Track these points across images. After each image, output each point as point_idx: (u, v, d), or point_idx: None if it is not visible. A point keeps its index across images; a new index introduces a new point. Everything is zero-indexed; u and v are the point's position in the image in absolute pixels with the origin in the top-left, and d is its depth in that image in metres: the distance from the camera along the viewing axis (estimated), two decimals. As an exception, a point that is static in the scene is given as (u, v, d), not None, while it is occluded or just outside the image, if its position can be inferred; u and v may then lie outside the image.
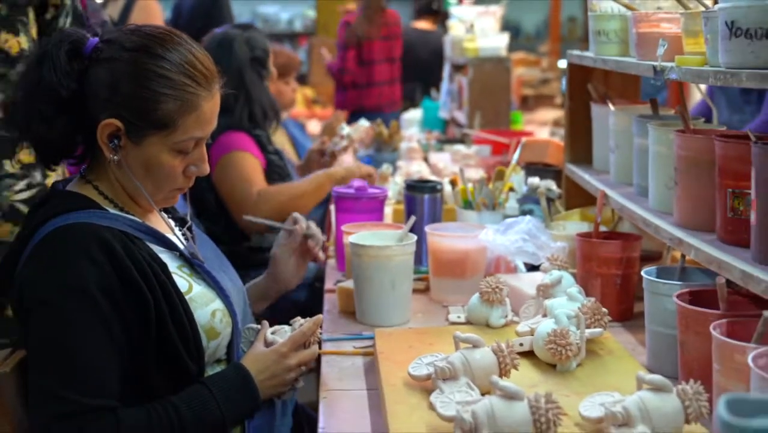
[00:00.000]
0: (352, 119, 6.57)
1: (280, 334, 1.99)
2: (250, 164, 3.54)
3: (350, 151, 4.43)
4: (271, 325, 2.03)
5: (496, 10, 5.83)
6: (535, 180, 2.97)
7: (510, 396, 1.54)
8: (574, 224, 2.77)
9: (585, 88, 2.94)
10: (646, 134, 2.30)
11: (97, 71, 1.83)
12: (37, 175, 2.31)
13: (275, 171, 3.64)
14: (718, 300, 1.83)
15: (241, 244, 3.58)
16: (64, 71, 1.82)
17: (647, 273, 2.08)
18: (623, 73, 2.71)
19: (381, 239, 2.43)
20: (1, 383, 1.79)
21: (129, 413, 1.72)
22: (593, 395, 1.70)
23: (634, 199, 2.39)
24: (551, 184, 2.94)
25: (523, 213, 2.97)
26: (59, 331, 1.70)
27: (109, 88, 1.82)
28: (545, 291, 2.21)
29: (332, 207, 3.06)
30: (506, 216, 2.85)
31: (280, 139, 4.73)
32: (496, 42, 5.47)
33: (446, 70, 6.38)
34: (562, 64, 3.49)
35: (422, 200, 2.88)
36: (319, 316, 2.03)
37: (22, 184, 2.32)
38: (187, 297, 1.85)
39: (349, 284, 2.49)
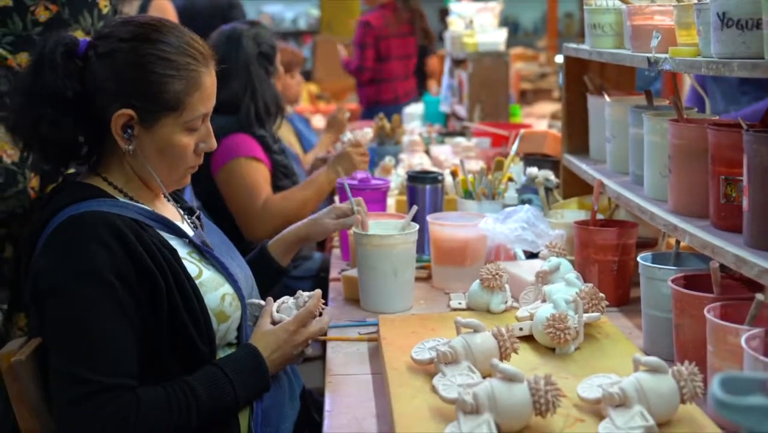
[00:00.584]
0: (367, 114, 6.61)
1: (285, 310, 2.02)
2: (256, 173, 3.52)
3: None
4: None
5: (495, 6, 5.83)
6: (533, 170, 3.00)
7: (510, 379, 1.57)
8: (571, 213, 2.80)
9: (581, 81, 2.96)
10: (641, 124, 2.33)
11: (98, 67, 1.87)
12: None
13: (280, 171, 3.64)
14: (712, 284, 1.86)
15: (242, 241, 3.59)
16: (65, 73, 1.86)
17: (643, 259, 2.11)
18: (618, 65, 2.74)
19: (384, 228, 2.46)
20: (18, 370, 1.83)
21: (147, 392, 1.75)
22: (591, 377, 1.72)
23: (629, 188, 2.42)
24: (549, 174, 2.97)
25: (522, 202, 2.99)
26: (76, 315, 1.74)
27: (115, 80, 1.86)
28: (544, 277, 2.23)
29: (336, 198, 3.09)
30: (505, 205, 2.88)
31: (286, 134, 4.75)
32: (495, 37, 5.48)
33: (446, 65, 6.40)
34: (560, 59, 3.51)
35: (424, 191, 2.91)
36: (318, 290, 2.06)
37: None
38: (197, 282, 1.89)
39: (353, 272, 2.52)
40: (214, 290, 1.92)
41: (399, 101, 7.08)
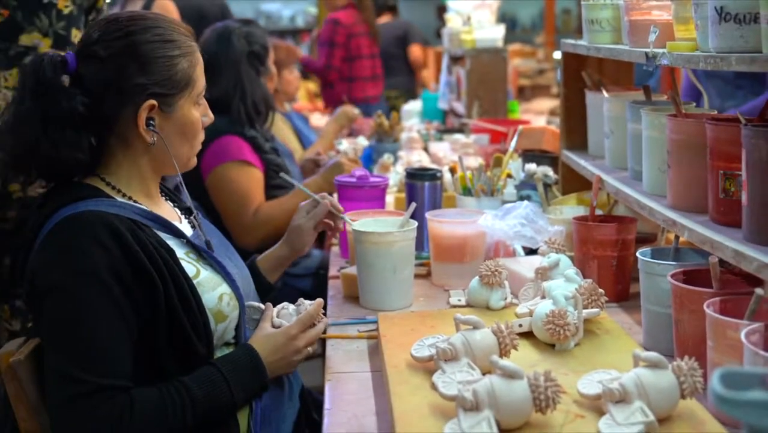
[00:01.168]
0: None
1: (285, 316, 2.02)
2: (247, 178, 3.52)
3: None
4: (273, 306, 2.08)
5: (492, 3, 5.84)
6: (532, 166, 3.01)
7: (510, 375, 1.56)
8: (570, 208, 2.80)
9: (579, 76, 2.96)
10: (639, 120, 2.32)
11: (100, 71, 1.88)
12: None
13: (273, 170, 3.63)
14: (711, 279, 1.86)
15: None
16: (68, 89, 1.87)
17: (642, 254, 2.11)
18: (616, 61, 2.73)
19: (383, 225, 2.46)
20: (17, 369, 1.83)
21: (142, 393, 1.75)
22: (591, 372, 1.72)
23: (628, 183, 2.42)
24: (548, 170, 2.98)
25: (521, 198, 3.00)
26: (72, 314, 1.74)
27: (125, 78, 1.87)
28: (543, 274, 2.23)
29: (335, 196, 3.09)
30: (504, 202, 2.89)
31: (284, 131, 4.76)
32: (493, 34, 5.49)
33: (444, 62, 6.40)
34: (558, 55, 3.51)
35: (422, 188, 2.91)
36: (320, 299, 2.07)
37: None
38: (195, 282, 1.89)
39: (352, 270, 2.52)
40: (212, 289, 1.92)
41: (369, 102, 7.08)
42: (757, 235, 1.72)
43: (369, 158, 4.45)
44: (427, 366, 1.85)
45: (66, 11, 2.57)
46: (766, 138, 1.67)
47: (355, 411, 1.83)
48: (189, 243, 1.97)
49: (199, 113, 1.99)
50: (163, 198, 2.08)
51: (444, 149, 4.40)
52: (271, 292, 2.40)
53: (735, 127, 1.81)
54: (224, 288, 1.95)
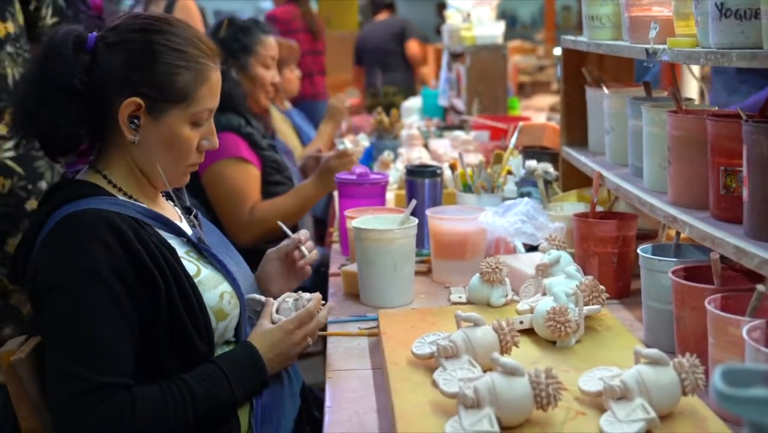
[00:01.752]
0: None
1: (284, 311, 2.02)
2: (244, 176, 3.52)
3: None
4: None
5: (492, 0, 5.85)
6: (532, 163, 3.01)
7: (511, 372, 1.56)
8: (571, 205, 2.80)
9: (580, 73, 2.96)
10: (640, 116, 2.32)
11: (107, 58, 1.88)
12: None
13: (271, 166, 3.63)
14: (713, 275, 1.86)
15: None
16: (73, 64, 1.87)
17: (643, 251, 2.11)
18: (617, 57, 2.74)
19: (383, 222, 2.46)
20: (18, 368, 1.83)
21: (143, 390, 1.75)
22: (592, 369, 1.72)
23: (629, 180, 2.41)
24: (548, 167, 2.98)
25: (522, 195, 2.99)
26: (73, 312, 1.74)
27: (124, 69, 1.87)
28: (544, 270, 2.23)
29: (336, 193, 3.09)
30: (505, 198, 2.89)
31: (283, 128, 4.75)
32: (493, 30, 5.49)
33: (444, 59, 6.40)
34: (558, 51, 3.51)
35: (423, 185, 2.91)
36: (318, 293, 2.07)
37: (10, 144, 2.69)
38: (195, 280, 1.89)
39: (353, 267, 2.52)
40: (213, 288, 1.92)
41: (318, 98, 7.07)
42: (758, 231, 1.72)
43: (369, 155, 4.45)
44: (428, 363, 1.85)
45: (31, 7, 2.72)
46: (766, 134, 1.66)
47: (356, 409, 1.83)
48: (190, 242, 1.97)
49: (193, 133, 1.94)
50: (163, 197, 2.08)
51: (444, 146, 4.40)
52: None
53: (736, 123, 1.80)
54: (225, 286, 1.95)
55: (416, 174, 2.94)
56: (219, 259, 1.98)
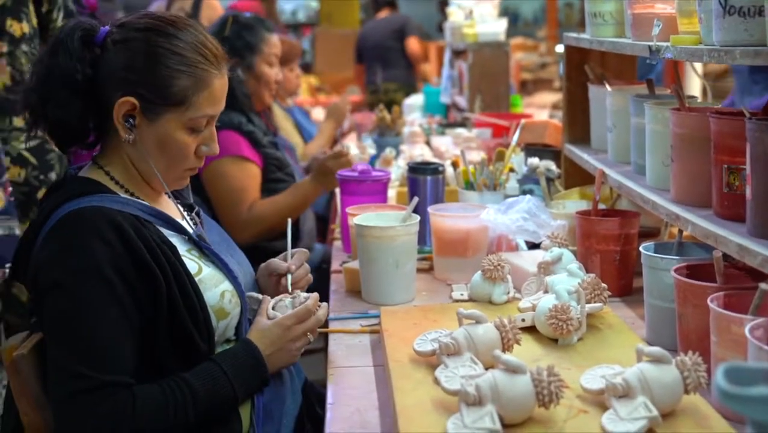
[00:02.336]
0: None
1: (281, 309, 2.01)
2: (244, 174, 3.51)
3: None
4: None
5: (494, -3, 5.85)
6: (534, 160, 3.00)
7: (513, 370, 1.56)
8: (573, 203, 2.80)
9: (582, 70, 2.95)
10: (642, 113, 2.32)
11: (111, 54, 1.88)
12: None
13: (272, 164, 3.63)
14: (715, 273, 1.86)
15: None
16: (79, 57, 1.86)
17: (645, 249, 2.11)
18: (619, 54, 2.73)
19: (385, 220, 2.46)
20: (20, 364, 1.84)
21: (143, 389, 1.75)
22: (594, 367, 1.72)
23: (631, 177, 2.41)
24: (550, 164, 2.97)
25: (524, 193, 2.99)
26: (75, 310, 1.74)
27: (124, 68, 1.86)
28: (546, 268, 2.23)
29: (337, 190, 3.08)
30: (507, 196, 2.88)
31: (285, 126, 4.75)
32: (495, 27, 5.48)
33: (446, 56, 6.40)
34: (560, 48, 3.51)
35: (425, 182, 2.91)
36: (316, 293, 2.05)
37: (25, 136, 2.84)
38: (197, 279, 1.88)
39: (354, 264, 2.52)
40: (214, 287, 1.92)
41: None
42: (761, 229, 1.72)
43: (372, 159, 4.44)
44: (430, 361, 1.85)
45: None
46: (770, 132, 1.66)
47: (358, 406, 1.83)
48: (191, 240, 1.97)
49: (190, 138, 1.92)
50: (165, 194, 2.07)
51: (446, 143, 4.40)
52: None
53: (739, 121, 1.80)
54: (226, 285, 1.95)
55: (418, 171, 2.93)
56: (220, 257, 1.98)
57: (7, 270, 2.39)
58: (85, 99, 1.88)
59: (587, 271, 2.22)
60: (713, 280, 1.86)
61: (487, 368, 1.71)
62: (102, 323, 1.73)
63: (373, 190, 2.93)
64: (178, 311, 1.81)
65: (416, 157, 3.98)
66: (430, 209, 2.64)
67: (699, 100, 2.59)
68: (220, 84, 1.94)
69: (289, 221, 2.24)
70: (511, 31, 7.26)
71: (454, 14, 6.01)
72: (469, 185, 3.01)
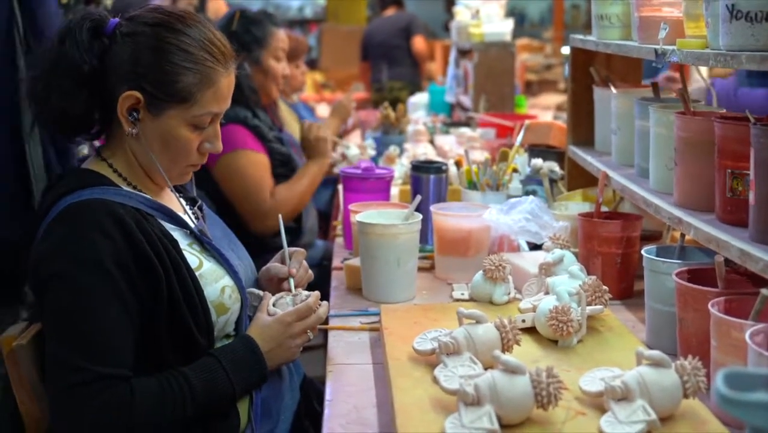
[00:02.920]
0: None
1: (281, 306, 2.01)
2: (258, 165, 3.53)
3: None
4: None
5: (501, -3, 5.85)
6: (538, 161, 3.00)
7: (512, 370, 1.56)
8: (576, 204, 2.79)
9: (588, 72, 2.95)
10: (647, 116, 2.32)
11: (118, 47, 1.87)
12: None
13: (277, 159, 3.64)
14: (717, 278, 1.85)
15: (247, 232, 3.57)
16: (86, 48, 1.86)
17: (647, 252, 2.11)
18: (625, 57, 2.73)
19: (387, 217, 2.45)
20: (19, 355, 1.84)
21: (142, 382, 1.75)
22: (593, 370, 1.72)
23: (634, 180, 2.41)
24: (554, 166, 2.97)
25: (527, 193, 2.99)
26: (74, 302, 1.73)
27: (130, 62, 1.86)
28: (547, 269, 2.23)
29: (340, 187, 3.09)
30: (510, 196, 2.88)
31: (290, 122, 4.75)
32: (501, 27, 5.48)
33: (452, 55, 6.40)
34: (566, 50, 3.51)
35: (428, 180, 2.90)
36: (317, 291, 2.05)
37: None
38: (197, 273, 1.88)
39: (356, 261, 2.52)
40: (215, 282, 1.92)
41: None
42: (763, 235, 1.72)
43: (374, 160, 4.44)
44: (429, 360, 1.84)
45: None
46: (775, 137, 1.66)
47: (356, 403, 1.83)
48: (193, 234, 1.96)
49: (193, 135, 1.91)
50: (168, 188, 2.07)
51: (450, 143, 4.40)
52: None
53: (744, 126, 1.80)
54: (227, 280, 1.94)
55: (421, 170, 2.93)
56: (221, 252, 1.97)
57: None
58: (91, 90, 1.88)
59: (588, 273, 2.22)
60: (714, 285, 1.86)
61: (486, 368, 1.71)
62: (102, 316, 1.73)
63: (376, 188, 2.93)
64: (177, 305, 1.81)
65: (420, 156, 3.98)
66: (433, 208, 2.64)
67: (702, 103, 2.58)
68: (226, 82, 1.93)
69: (280, 217, 2.24)
70: (517, 32, 7.25)
71: (461, 14, 6.01)
72: (472, 185, 3.01)
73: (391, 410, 1.69)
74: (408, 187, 3.14)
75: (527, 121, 3.67)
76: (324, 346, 2.27)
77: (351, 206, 2.74)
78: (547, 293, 2.12)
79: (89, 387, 1.69)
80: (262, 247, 3.18)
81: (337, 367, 2.02)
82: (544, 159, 3.03)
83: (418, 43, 8.61)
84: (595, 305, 2.04)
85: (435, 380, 1.70)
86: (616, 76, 2.96)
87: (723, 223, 1.90)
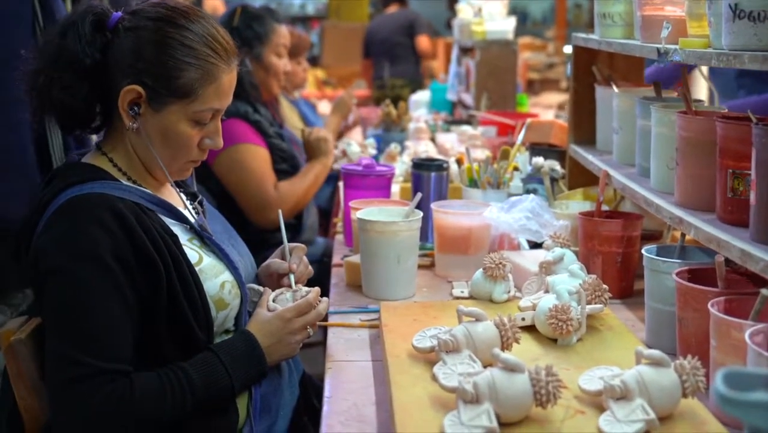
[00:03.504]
0: None
1: (281, 302, 2.01)
2: (260, 159, 3.54)
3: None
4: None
5: (504, -5, 5.84)
6: (539, 160, 3.00)
7: (511, 368, 1.56)
8: (576, 203, 2.79)
9: (590, 71, 2.95)
10: (648, 116, 2.31)
11: (121, 41, 1.87)
12: None
13: (278, 155, 3.64)
14: (717, 278, 1.85)
15: (248, 228, 3.58)
16: (88, 41, 1.86)
17: (648, 251, 2.10)
18: (627, 56, 2.73)
19: (388, 215, 2.45)
20: (18, 349, 1.84)
21: (141, 377, 1.75)
22: (593, 368, 1.72)
23: (635, 179, 2.41)
24: (555, 164, 2.97)
25: (527, 192, 2.99)
26: (74, 297, 1.73)
27: (132, 56, 1.86)
28: (547, 268, 2.22)
29: (341, 184, 3.09)
30: (510, 195, 2.89)
31: (292, 118, 4.75)
32: (504, 26, 5.47)
33: (454, 53, 6.39)
34: (568, 49, 3.50)
35: (429, 178, 2.90)
36: (317, 287, 2.05)
37: None
38: (197, 268, 1.88)
39: (356, 258, 2.52)
40: (214, 277, 1.92)
41: None
42: (764, 235, 1.72)
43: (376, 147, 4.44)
44: (429, 357, 1.84)
45: None
46: (776, 138, 1.66)
47: (355, 400, 1.83)
48: (193, 229, 1.96)
49: (194, 131, 1.91)
50: (170, 181, 2.06)
51: (451, 140, 4.40)
52: None
53: (745, 125, 1.80)
54: (226, 276, 1.94)
55: (422, 167, 2.93)
56: (222, 247, 1.97)
57: None
58: (92, 83, 1.88)
59: (589, 272, 2.22)
60: (714, 284, 1.85)
61: (485, 366, 1.71)
62: (101, 310, 1.73)
63: (377, 185, 2.93)
64: (177, 300, 1.81)
65: (421, 154, 3.98)
66: (433, 206, 2.64)
67: (705, 104, 2.58)
68: (228, 78, 1.93)
69: (280, 212, 2.24)
70: (520, 30, 7.26)
71: (463, 11, 6.00)
72: (473, 183, 3.01)
73: (390, 408, 1.69)
74: (409, 184, 3.14)
75: (528, 120, 3.67)
76: (323, 343, 2.27)
77: (351, 203, 2.74)
78: (547, 291, 2.12)
79: (89, 382, 1.69)
80: (262, 243, 3.18)
81: (336, 364, 2.01)
82: (546, 158, 3.03)
83: (423, 42, 8.61)
84: (595, 303, 2.04)
85: (434, 378, 1.70)
86: (618, 75, 2.96)
87: (724, 223, 1.90)
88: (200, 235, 1.97)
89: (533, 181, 3.07)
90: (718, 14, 1.80)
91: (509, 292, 2.27)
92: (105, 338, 1.73)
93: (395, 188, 3.34)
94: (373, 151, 4.28)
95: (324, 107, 6.49)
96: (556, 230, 2.46)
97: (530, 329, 2.02)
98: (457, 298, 2.34)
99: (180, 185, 2.11)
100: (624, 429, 1.51)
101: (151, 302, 1.80)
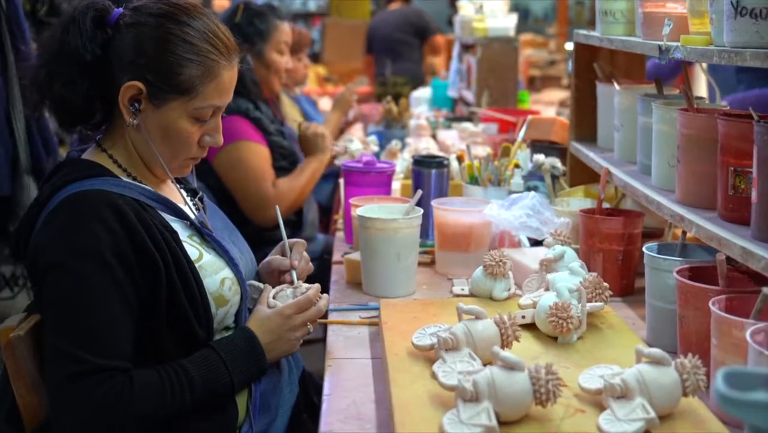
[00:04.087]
0: None
1: (281, 298, 2.00)
2: (259, 156, 3.54)
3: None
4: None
5: (505, -8, 5.83)
6: (540, 157, 3.00)
7: (511, 367, 1.56)
8: (577, 201, 2.79)
9: (591, 68, 2.95)
10: (650, 113, 2.31)
11: (122, 37, 1.87)
12: None
13: (278, 152, 3.65)
14: (718, 276, 1.85)
15: (248, 225, 3.58)
16: (89, 37, 1.86)
17: (648, 249, 2.10)
18: (629, 53, 2.72)
19: (388, 212, 2.45)
20: (17, 345, 1.83)
21: (141, 374, 1.74)
22: (593, 367, 1.71)
23: (637, 177, 2.40)
24: (556, 162, 2.97)
25: (528, 189, 2.98)
26: (73, 293, 1.73)
27: (133, 52, 1.86)
28: (548, 265, 2.22)
29: (342, 180, 3.09)
30: (511, 192, 2.88)
31: (293, 115, 4.74)
32: (505, 22, 5.47)
33: (455, 50, 6.39)
34: (569, 46, 3.50)
35: (429, 175, 2.89)
36: (317, 284, 2.04)
37: None
38: (197, 265, 1.88)
39: (356, 255, 2.51)
40: (214, 273, 1.91)
41: None
42: (765, 233, 1.72)
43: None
44: (428, 355, 1.84)
45: None
46: (778, 135, 1.65)
47: (355, 398, 1.82)
48: (193, 226, 1.96)
49: (194, 127, 1.91)
50: (170, 177, 2.06)
51: (452, 137, 4.40)
52: None
53: (747, 123, 1.79)
54: (226, 272, 1.94)
55: (423, 164, 2.93)
56: (222, 244, 1.97)
57: None
58: (93, 79, 1.88)
59: (589, 270, 2.21)
60: (716, 283, 1.85)
61: (485, 364, 1.71)
62: (101, 307, 1.73)
63: (378, 182, 2.93)
64: (177, 296, 1.81)
65: (422, 151, 3.98)
66: (434, 203, 2.63)
67: (706, 100, 2.57)
68: (228, 75, 1.93)
69: (278, 209, 2.23)
70: (521, 27, 7.25)
71: (465, 8, 6.00)
72: (474, 180, 3.01)
73: (389, 405, 1.69)
74: (409, 181, 3.14)
75: (530, 117, 3.66)
76: (323, 340, 2.27)
77: (352, 200, 2.74)
78: (547, 289, 2.12)
79: (89, 379, 1.69)
80: (261, 240, 3.18)
81: (335, 361, 2.01)
82: (546, 155, 3.03)
83: (440, 41, 8.59)
84: (596, 301, 2.04)
85: (433, 376, 1.69)
86: (619, 72, 2.96)
87: (725, 221, 1.89)
88: (200, 231, 1.97)
89: (534, 178, 3.07)
90: (719, 11, 1.80)
91: (509, 289, 2.26)
92: (104, 334, 1.72)
93: (396, 185, 3.34)
94: (376, 148, 4.28)
95: (325, 104, 6.49)
96: (556, 228, 2.46)
97: (530, 326, 2.02)
98: (458, 295, 2.33)
99: (180, 182, 2.10)
100: (624, 428, 1.51)
101: (150, 298, 1.79)
